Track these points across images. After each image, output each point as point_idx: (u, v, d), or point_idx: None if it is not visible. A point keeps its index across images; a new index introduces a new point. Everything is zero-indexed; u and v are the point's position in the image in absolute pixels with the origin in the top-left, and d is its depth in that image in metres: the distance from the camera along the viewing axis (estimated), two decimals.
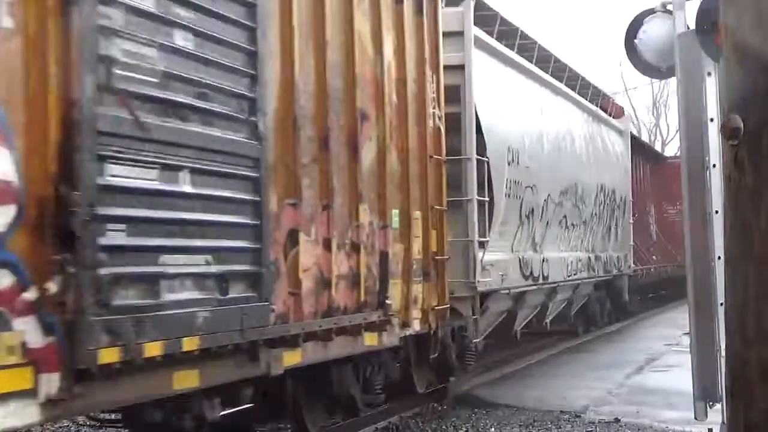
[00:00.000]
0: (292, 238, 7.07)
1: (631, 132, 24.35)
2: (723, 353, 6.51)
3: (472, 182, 11.41)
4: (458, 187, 11.21)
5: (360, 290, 8.00)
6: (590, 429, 9.54)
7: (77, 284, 4.99)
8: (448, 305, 10.06)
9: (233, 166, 6.33)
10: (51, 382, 4.95)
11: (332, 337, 7.53)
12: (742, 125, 4.26)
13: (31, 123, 4.92)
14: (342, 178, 7.86)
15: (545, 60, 15.92)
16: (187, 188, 5.91)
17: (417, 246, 9.18)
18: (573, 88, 17.61)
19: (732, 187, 5.19)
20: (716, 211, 7.13)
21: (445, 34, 10.42)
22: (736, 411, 4.26)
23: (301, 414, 8.32)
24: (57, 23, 5.04)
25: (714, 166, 7.19)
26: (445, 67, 10.28)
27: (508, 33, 13.84)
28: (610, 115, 20.93)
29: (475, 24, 12.05)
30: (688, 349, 7.81)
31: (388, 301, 8.44)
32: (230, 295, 6.24)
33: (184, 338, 5.74)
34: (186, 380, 5.99)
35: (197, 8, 6.10)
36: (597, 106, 19.75)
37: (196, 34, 6.08)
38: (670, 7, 7.85)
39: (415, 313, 9.15)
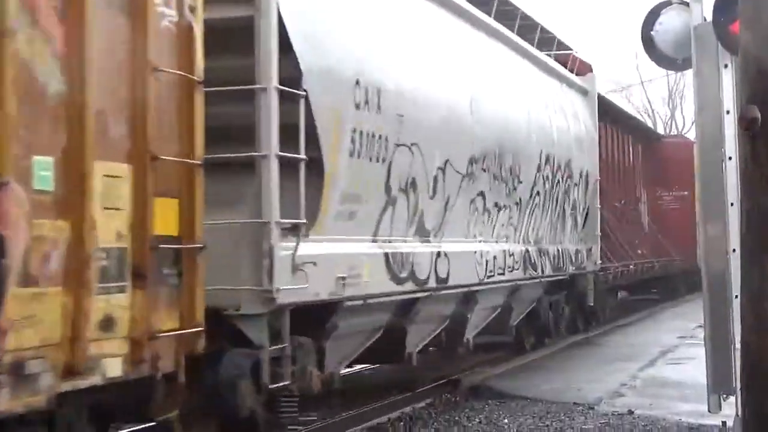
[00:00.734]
0: None
1: (602, 96, 20.08)
2: (737, 345, 6.50)
3: (268, 128, 7.29)
4: (250, 139, 7.36)
5: None
6: (604, 421, 9.54)
7: None
8: (200, 329, 6.18)
9: None
10: None
11: None
12: (759, 116, 4.26)
13: None
14: None
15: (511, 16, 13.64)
16: None
17: (115, 225, 5.48)
18: (531, 42, 14.57)
19: (748, 179, 5.18)
20: (731, 203, 7.12)
21: None
22: (751, 403, 4.26)
23: None
24: None
25: (730, 158, 7.18)
26: None
27: None
28: (571, 71, 16.77)
29: None
30: (702, 342, 7.81)
31: None
32: None
33: None
34: None
35: None
36: (564, 67, 16.38)
37: None
38: None
39: (109, 347, 5.38)
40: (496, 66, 12.57)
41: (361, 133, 8.44)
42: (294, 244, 7.46)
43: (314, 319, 8.01)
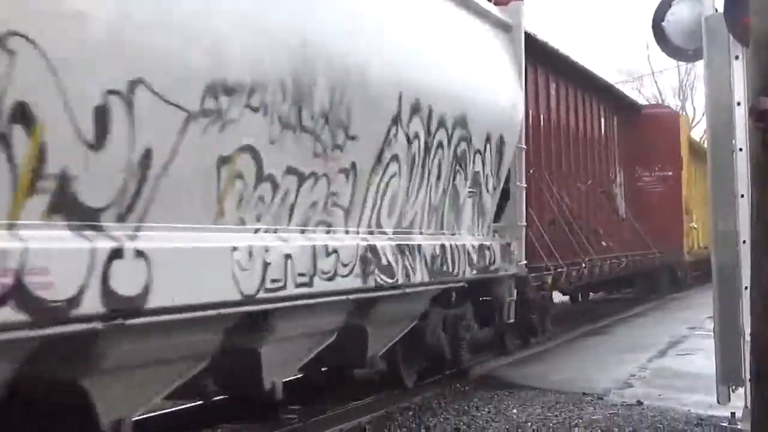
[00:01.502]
0: None
1: (555, 49, 15.83)
2: (747, 337, 6.51)
3: None
4: None
5: None
6: (613, 411, 9.55)
7: None
8: None
9: None
10: None
11: None
12: None
13: None
14: None
15: None
16: None
17: None
18: None
19: (759, 171, 5.18)
20: (742, 195, 7.13)
21: None
22: (761, 394, 4.28)
23: None
24: None
25: (741, 150, 7.18)
26: None
27: None
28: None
29: None
30: (711, 334, 7.82)
31: None
32: None
33: None
34: None
35: None
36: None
37: None
38: None
39: None
40: None
41: None
42: None
43: None
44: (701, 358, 11.95)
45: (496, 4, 12.10)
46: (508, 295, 11.88)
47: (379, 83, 8.26)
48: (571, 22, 70.35)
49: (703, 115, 44.86)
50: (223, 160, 6.37)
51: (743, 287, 6.92)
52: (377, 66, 8.23)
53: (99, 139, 5.30)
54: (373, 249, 8.29)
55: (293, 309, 7.22)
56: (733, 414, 7.68)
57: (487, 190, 10.97)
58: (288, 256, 7.01)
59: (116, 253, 5.39)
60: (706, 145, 9.13)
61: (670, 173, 23.14)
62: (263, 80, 6.64)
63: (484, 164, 10.74)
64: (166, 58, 5.75)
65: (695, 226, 25.05)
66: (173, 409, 8.76)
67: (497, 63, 11.52)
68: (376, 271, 8.29)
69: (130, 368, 5.94)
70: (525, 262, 12.44)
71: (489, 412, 9.70)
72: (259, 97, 6.61)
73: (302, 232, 7.37)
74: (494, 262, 11.21)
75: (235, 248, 6.44)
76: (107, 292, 5.30)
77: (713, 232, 7.78)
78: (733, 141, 7.33)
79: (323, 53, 7.35)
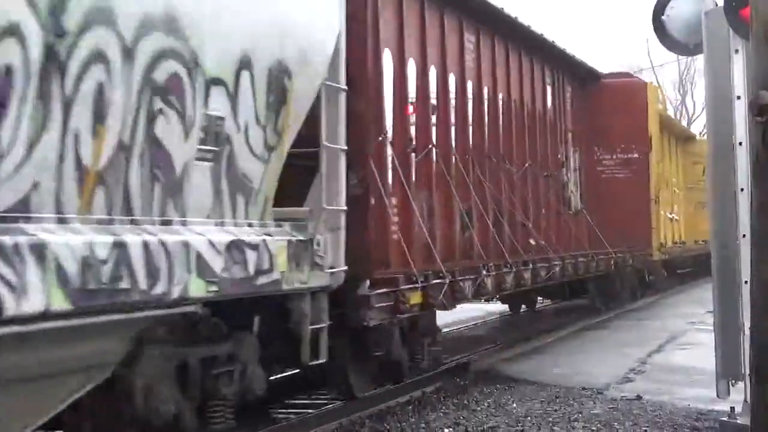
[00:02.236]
0: None
1: None
2: (746, 331, 6.52)
3: None
4: None
5: None
6: (612, 406, 9.55)
7: None
8: None
9: None
10: None
11: None
12: None
13: None
14: None
15: None
16: None
17: None
18: None
19: (759, 165, 5.18)
20: (741, 189, 7.13)
21: None
22: (760, 389, 4.27)
23: None
24: None
25: (740, 144, 7.18)
26: None
27: None
28: None
29: None
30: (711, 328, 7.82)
31: None
32: None
33: None
34: None
35: None
36: None
37: None
38: None
39: None
40: None
41: None
42: None
43: None
44: None
45: None
46: (308, 322, 7.28)
47: None
48: (571, 16, 70.38)
49: (703, 109, 44.84)
50: None
51: (743, 281, 6.93)
52: None
53: None
54: None
55: None
56: (732, 408, 7.68)
57: (252, 152, 6.63)
58: None
59: None
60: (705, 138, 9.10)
61: (636, 155, 19.04)
62: None
63: (235, 107, 6.36)
64: None
65: (676, 217, 21.68)
66: None
67: None
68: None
69: None
70: (345, 268, 7.85)
71: (489, 406, 9.70)
72: None
73: None
74: (271, 269, 6.67)
75: None
76: None
77: (713, 226, 7.78)
78: (733, 135, 7.33)
79: None
